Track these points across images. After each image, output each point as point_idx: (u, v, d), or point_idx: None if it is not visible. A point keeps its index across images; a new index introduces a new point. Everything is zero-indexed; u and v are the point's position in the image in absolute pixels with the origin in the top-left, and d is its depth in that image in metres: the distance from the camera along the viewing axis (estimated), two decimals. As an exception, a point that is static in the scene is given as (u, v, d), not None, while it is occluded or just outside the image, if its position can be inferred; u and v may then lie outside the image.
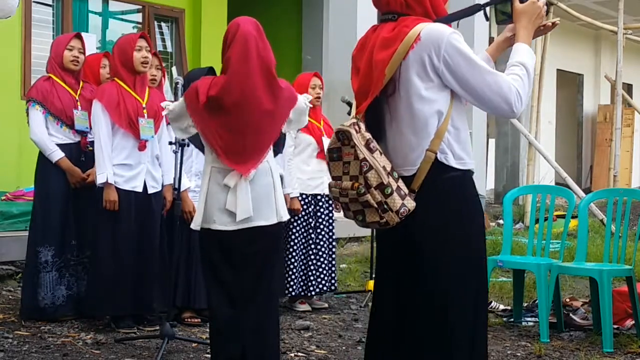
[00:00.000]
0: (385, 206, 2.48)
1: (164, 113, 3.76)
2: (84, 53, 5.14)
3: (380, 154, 2.53)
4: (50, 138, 4.99)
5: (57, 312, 4.98)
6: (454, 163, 2.56)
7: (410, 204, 2.50)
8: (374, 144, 2.53)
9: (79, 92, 5.11)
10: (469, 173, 2.62)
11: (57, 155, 4.97)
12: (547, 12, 2.73)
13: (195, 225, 3.50)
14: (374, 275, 6.39)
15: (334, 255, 5.82)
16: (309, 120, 5.61)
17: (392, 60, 2.53)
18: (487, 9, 2.73)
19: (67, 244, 5.01)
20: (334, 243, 5.85)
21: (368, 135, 2.53)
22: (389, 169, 2.52)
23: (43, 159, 5.03)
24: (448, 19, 2.64)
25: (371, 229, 2.64)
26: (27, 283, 4.99)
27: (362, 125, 2.55)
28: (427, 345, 2.56)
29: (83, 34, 5.24)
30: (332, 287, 5.83)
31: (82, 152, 5.08)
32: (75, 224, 5.04)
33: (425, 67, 2.51)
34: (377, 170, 2.48)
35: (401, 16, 2.60)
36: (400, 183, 2.52)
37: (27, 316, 4.94)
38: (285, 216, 3.55)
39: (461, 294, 2.56)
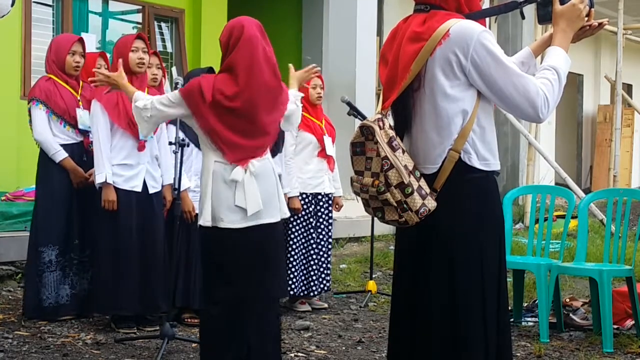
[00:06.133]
0: (405, 205, 2.46)
1: (146, 115, 3.50)
2: (84, 56, 5.15)
3: (403, 152, 2.49)
4: (54, 138, 4.99)
5: (60, 311, 4.97)
6: (477, 164, 2.52)
7: (431, 204, 2.47)
8: (396, 141, 2.49)
9: (79, 92, 5.12)
10: (493, 175, 2.58)
11: (61, 155, 4.97)
12: (588, 13, 2.63)
13: (205, 221, 3.40)
14: (374, 275, 6.46)
15: (330, 254, 5.81)
16: (310, 119, 5.64)
17: (418, 56, 2.48)
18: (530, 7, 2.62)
19: (71, 243, 5.02)
20: (330, 242, 5.84)
21: (391, 133, 2.50)
22: (410, 167, 2.48)
23: (44, 159, 5.02)
24: (480, 15, 2.58)
25: (391, 226, 2.61)
26: (30, 283, 4.99)
27: (387, 122, 2.52)
28: (440, 350, 2.52)
29: (83, 34, 5.24)
30: (328, 287, 5.82)
31: (84, 152, 5.08)
32: (78, 224, 5.04)
33: (452, 65, 2.46)
34: (398, 169, 2.45)
35: (434, 8, 2.55)
36: (422, 182, 2.49)
37: (30, 316, 4.93)
38: (287, 212, 3.58)
39: (475, 299, 2.51)
